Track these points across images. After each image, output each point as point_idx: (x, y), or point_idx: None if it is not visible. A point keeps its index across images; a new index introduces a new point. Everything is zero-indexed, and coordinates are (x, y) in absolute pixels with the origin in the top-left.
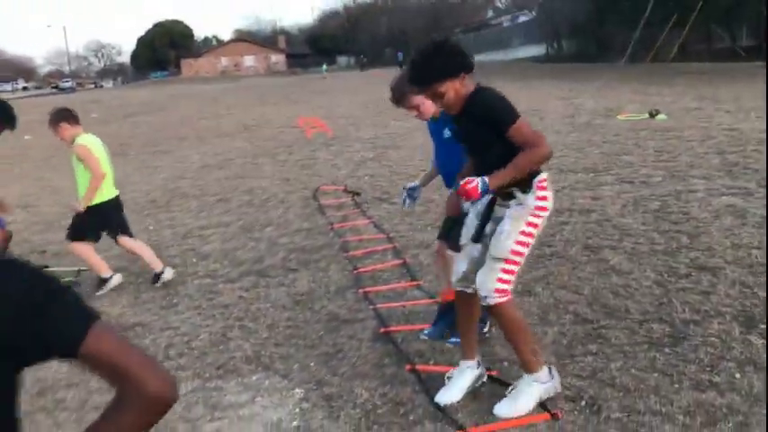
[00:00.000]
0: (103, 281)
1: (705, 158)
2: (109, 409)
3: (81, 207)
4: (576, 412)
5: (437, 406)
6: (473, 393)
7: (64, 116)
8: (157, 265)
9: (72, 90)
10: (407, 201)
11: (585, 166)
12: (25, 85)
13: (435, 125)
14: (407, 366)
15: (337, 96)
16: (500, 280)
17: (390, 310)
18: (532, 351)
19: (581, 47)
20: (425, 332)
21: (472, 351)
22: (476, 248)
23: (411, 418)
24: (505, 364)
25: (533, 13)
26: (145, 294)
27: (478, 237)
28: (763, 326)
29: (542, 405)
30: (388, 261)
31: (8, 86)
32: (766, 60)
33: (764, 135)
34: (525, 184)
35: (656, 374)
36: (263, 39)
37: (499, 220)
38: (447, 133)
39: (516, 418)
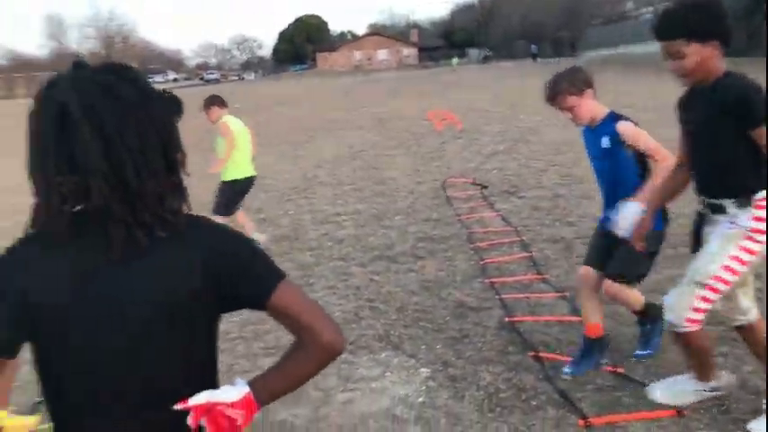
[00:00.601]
0: None
1: None
2: (289, 352)
3: (213, 170)
4: (702, 410)
5: (561, 393)
6: (597, 386)
7: (214, 101)
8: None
9: (216, 81)
10: None
11: None
12: (175, 76)
13: (592, 134)
14: (531, 354)
15: (467, 89)
16: (694, 309)
17: (516, 301)
18: (709, 372)
19: None
20: (567, 370)
21: None
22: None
23: (533, 403)
24: (632, 360)
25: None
26: None
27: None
28: None
29: None
30: (514, 254)
31: (159, 77)
32: (767, 59)
33: None
34: (743, 196)
35: None
36: (397, 33)
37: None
38: (606, 142)
39: (643, 411)
